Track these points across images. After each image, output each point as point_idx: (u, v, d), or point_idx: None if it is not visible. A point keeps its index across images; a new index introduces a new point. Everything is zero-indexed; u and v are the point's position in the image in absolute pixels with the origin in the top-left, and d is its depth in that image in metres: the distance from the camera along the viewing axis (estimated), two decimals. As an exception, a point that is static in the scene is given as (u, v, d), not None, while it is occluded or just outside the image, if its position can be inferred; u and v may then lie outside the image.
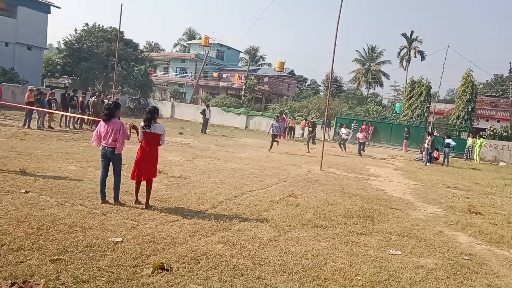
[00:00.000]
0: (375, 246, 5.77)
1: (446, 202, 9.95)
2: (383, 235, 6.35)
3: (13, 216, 5.26)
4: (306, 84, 69.80)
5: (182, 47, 65.98)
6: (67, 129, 17.35)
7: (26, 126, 15.71)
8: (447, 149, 19.77)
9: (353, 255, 5.28)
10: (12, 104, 18.41)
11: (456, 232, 7.12)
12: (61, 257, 4.16)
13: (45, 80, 37.66)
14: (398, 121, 31.26)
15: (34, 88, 17.62)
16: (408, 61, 52.32)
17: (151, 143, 6.46)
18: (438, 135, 27.04)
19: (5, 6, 32.46)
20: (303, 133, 28.32)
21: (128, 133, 6.45)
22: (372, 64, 57.37)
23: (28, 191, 6.52)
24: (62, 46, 41.08)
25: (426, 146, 19.36)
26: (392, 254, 5.49)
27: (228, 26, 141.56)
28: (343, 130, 21.24)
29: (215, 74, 50.23)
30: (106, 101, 18.69)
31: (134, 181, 6.60)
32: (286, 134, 26.94)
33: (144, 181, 6.54)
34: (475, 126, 32.71)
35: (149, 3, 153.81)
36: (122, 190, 6.63)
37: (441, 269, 5.11)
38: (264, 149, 18.09)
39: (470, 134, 25.65)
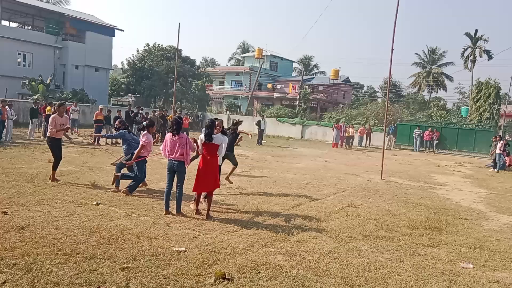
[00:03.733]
0: (444, 258, 5.44)
1: (523, 211, 9.15)
2: (452, 247, 5.97)
3: (86, 226, 5.64)
4: (363, 91, 68.13)
5: (236, 60, 67.59)
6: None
7: (95, 143, 16.86)
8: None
9: (419, 268, 5.02)
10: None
11: (537, 244, 6.51)
12: (130, 265, 4.39)
13: (111, 99, 40.29)
14: (464, 125, 29.44)
15: (102, 107, 19.02)
16: (473, 61, 49.16)
17: (212, 154, 6.67)
18: (510, 139, 25.03)
19: (75, 32, 35.40)
20: (359, 141, 27.59)
21: (195, 146, 6.72)
22: (433, 66, 54.74)
23: (99, 203, 6.98)
24: (126, 66, 43.79)
25: (497, 151, 18.01)
26: (463, 268, 5.14)
27: (281, 37, 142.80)
28: None
29: (269, 85, 50.70)
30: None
31: (196, 193, 6.83)
32: (344, 143, 26.39)
33: (205, 192, 6.76)
34: (553, 128, 29.86)
35: (204, 21, 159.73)
36: (183, 201, 6.87)
37: (520, 285, 4.69)
38: (321, 158, 17.86)
39: (548, 137, 23.48)
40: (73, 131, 19.59)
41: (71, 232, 5.35)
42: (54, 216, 6.03)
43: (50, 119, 8.71)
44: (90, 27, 35.80)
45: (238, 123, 9.41)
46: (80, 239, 5.09)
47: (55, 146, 8.73)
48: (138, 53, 40.88)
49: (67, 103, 20.09)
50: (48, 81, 29.61)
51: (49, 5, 39.98)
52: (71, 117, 18.59)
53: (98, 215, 6.24)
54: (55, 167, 8.61)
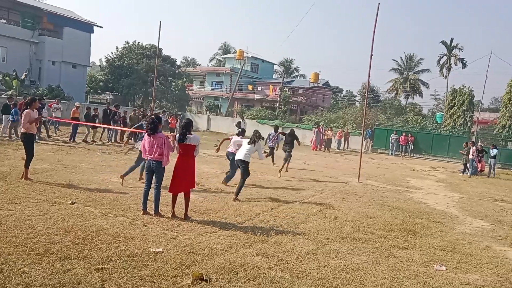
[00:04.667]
0: (418, 261, 5.57)
1: (493, 215, 9.46)
2: (426, 250, 6.12)
3: (61, 226, 5.50)
4: (342, 95, 69.07)
5: (217, 61, 67.35)
6: (109, 143, 18.02)
7: (72, 141, 16.49)
8: (492, 160, 18.86)
9: (394, 270, 5.12)
10: (62, 120, 19.36)
11: (505, 247, 6.74)
12: (105, 266, 4.30)
13: (88, 96, 39.47)
14: (439, 131, 30.22)
15: (79, 105, 18.63)
16: (449, 69, 50.68)
17: (188, 155, 6.62)
18: (483, 145, 25.89)
19: (53, 27, 34.54)
20: (338, 144, 27.94)
21: (172, 145, 6.65)
22: (410, 73, 56.05)
23: (74, 202, 6.82)
24: (104, 63, 43.04)
25: (470, 157, 18.56)
26: (437, 270, 5.27)
27: (262, 39, 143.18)
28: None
29: (250, 87, 50.76)
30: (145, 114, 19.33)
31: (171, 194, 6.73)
32: (322, 146, 26.64)
33: (182, 193, 6.68)
34: (523, 136, 31.00)
35: (186, 21, 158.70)
36: (161, 202, 6.78)
37: (489, 286, 4.85)
38: (300, 160, 17.99)
39: (518, 144, 24.35)
40: (51, 130, 18.97)
41: (44, 231, 5.21)
42: (27, 215, 5.86)
43: (24, 114, 8.49)
44: (68, 23, 34.99)
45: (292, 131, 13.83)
46: (54, 239, 4.96)
47: (30, 142, 8.51)
48: (117, 51, 40.24)
49: (44, 99, 19.57)
50: (23, 77, 28.78)
51: (25, -2, 38.89)
52: (53, 115, 18.04)
53: (73, 215, 6.10)
54: (27, 165, 8.36)
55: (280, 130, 15.25)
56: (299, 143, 13.91)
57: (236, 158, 9.03)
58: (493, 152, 18.81)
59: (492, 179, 18.04)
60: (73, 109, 17.59)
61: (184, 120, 6.92)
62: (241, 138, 10.42)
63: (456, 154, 25.63)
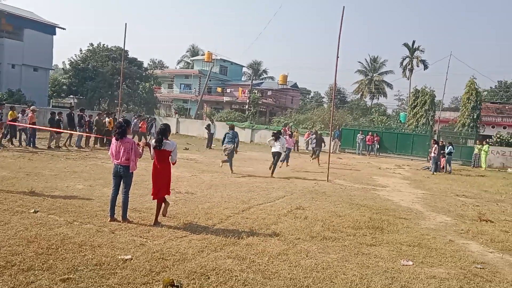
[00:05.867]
0: (386, 257, 5.71)
1: (455, 210, 9.85)
2: (393, 246, 6.29)
3: (23, 236, 5.28)
4: (310, 96, 70.12)
5: (185, 63, 66.73)
6: (74, 148, 17.45)
7: (31, 146, 15.84)
8: (448, 157, 19.75)
9: (363, 266, 5.23)
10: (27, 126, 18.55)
11: (467, 240, 7.04)
12: (71, 276, 4.16)
13: (51, 100, 38.12)
14: (403, 130, 31.19)
15: (37, 109, 17.87)
16: (411, 70, 52.55)
17: (162, 160, 6.52)
18: (444, 142, 26.94)
19: (12, 29, 33.14)
20: (307, 145, 28.31)
21: (140, 151, 6.51)
22: (375, 74, 57.65)
23: (37, 211, 6.55)
24: (68, 66, 41.74)
25: (432, 154, 19.26)
26: (404, 265, 5.43)
27: (230, 42, 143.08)
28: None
29: (219, 89, 50.61)
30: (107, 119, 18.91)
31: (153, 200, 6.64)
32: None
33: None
34: (481, 133, 32.54)
35: (152, 22, 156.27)
36: (129, 207, 6.64)
37: (453, 279, 5.04)
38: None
39: (477, 141, 25.51)
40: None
41: (5, 242, 4.97)
42: (-14, 226, 5.58)
43: None
44: (28, 24, 33.70)
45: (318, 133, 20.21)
46: (16, 250, 4.75)
47: None
48: (81, 53, 39.09)
49: (4, 104, 18.67)
50: (-21, 81, 27.42)
51: (-19, -2, 37.18)
52: (27, 122, 17.11)
53: (36, 224, 5.86)
54: (-13, 173, 7.97)
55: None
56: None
57: (272, 150, 13.57)
58: (448, 149, 19.69)
59: (453, 175, 18.79)
60: (30, 114, 16.65)
61: (160, 125, 6.76)
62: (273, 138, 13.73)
63: (420, 152, 26.60)
